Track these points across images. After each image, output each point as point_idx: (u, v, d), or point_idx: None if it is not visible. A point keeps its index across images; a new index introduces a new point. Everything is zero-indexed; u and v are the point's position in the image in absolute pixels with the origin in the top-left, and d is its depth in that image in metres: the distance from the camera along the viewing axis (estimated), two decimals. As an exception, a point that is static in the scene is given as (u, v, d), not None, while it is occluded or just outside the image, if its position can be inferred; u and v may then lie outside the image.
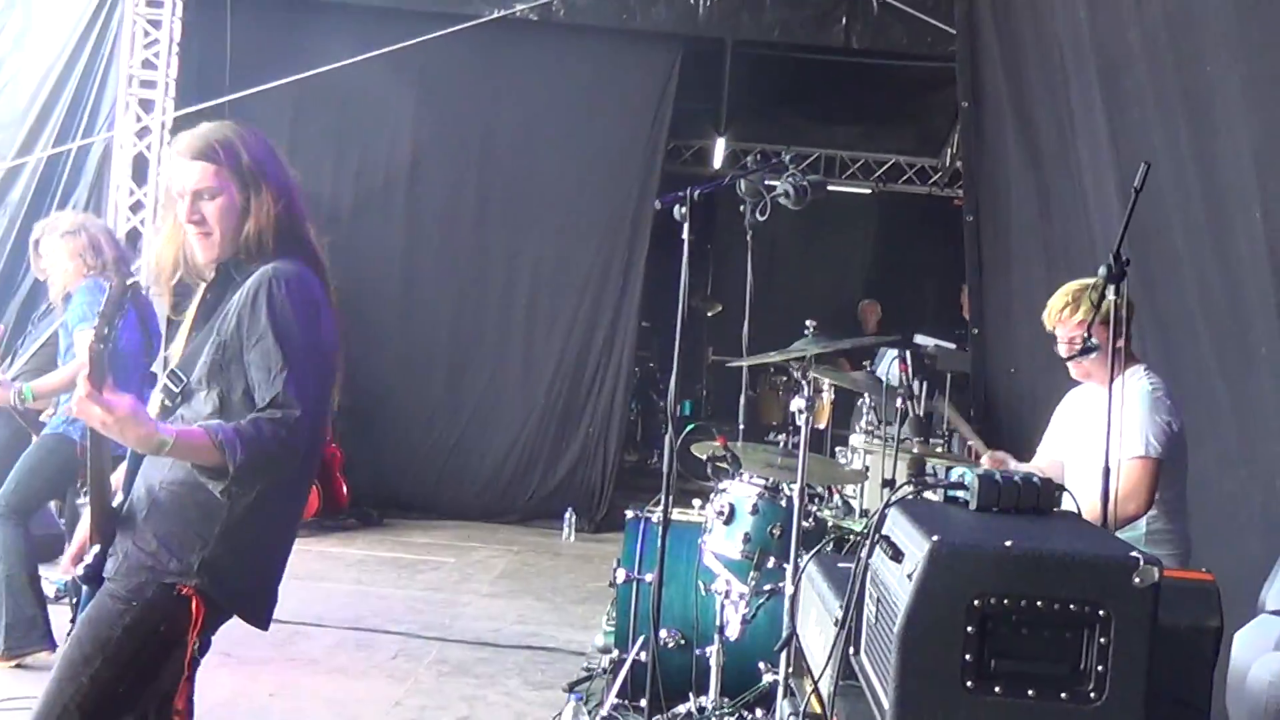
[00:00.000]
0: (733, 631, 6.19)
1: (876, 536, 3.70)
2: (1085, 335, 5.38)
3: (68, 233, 7.27)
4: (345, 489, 11.71)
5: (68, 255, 7.24)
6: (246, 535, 3.65)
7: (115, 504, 3.74)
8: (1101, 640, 3.31)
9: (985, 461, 6.21)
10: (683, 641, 6.69)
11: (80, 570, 3.69)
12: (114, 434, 3.41)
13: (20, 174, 11.28)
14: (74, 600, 4.09)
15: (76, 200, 11.22)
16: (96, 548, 3.70)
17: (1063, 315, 5.59)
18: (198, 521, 3.61)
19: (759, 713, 6.19)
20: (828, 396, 10.08)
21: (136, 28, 11.56)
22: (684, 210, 5.66)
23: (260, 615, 3.79)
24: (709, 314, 16.05)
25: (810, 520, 6.43)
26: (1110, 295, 4.99)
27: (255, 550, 3.71)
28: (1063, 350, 5.61)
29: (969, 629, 3.32)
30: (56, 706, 3.49)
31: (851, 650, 3.85)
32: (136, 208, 11.63)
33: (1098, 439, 4.82)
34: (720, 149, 15.81)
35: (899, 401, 6.95)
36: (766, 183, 6.17)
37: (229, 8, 11.57)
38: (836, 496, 8.94)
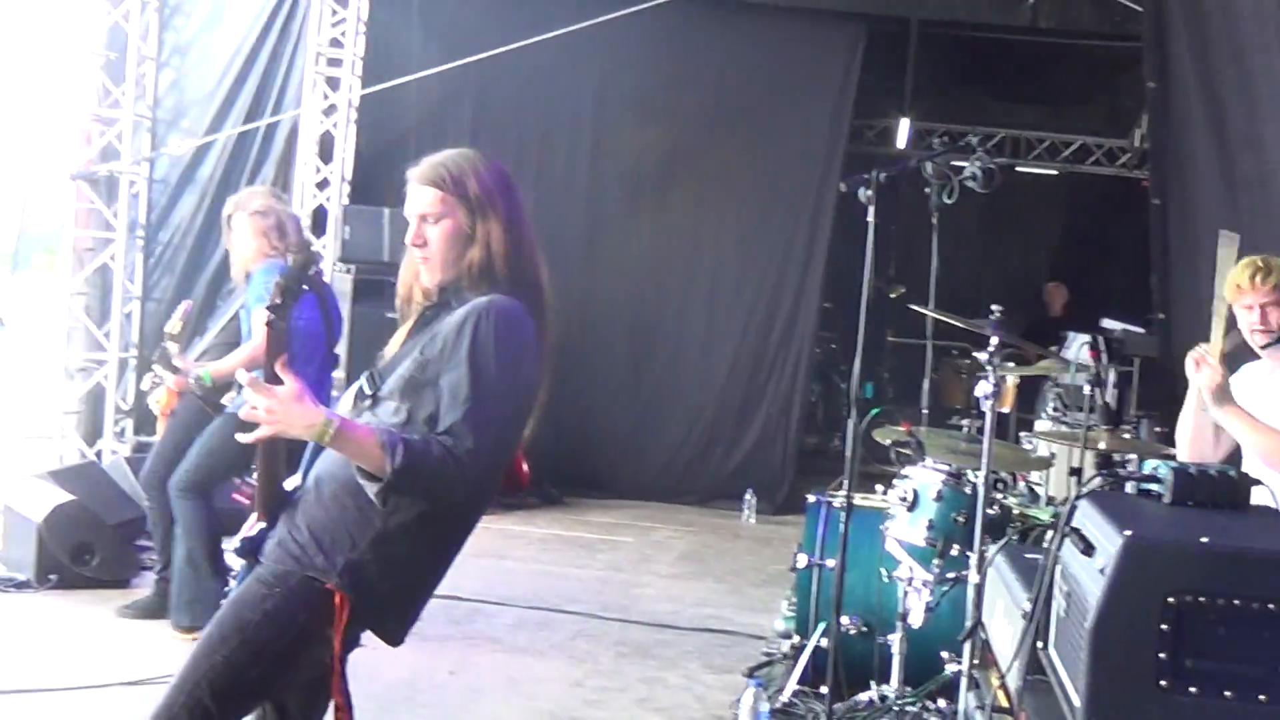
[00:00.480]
0: (916, 619, 6.11)
1: (1067, 529, 3.60)
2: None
3: (257, 211, 7.38)
4: (526, 468, 11.79)
5: (253, 234, 7.35)
6: (397, 550, 3.62)
7: (288, 487, 3.78)
8: (1304, 642, 3.18)
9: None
10: (864, 628, 6.61)
11: (238, 542, 3.73)
12: (281, 417, 3.44)
13: (210, 151, 11.53)
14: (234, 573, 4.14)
15: (264, 177, 11.43)
16: (262, 525, 3.74)
17: (1255, 282, 5.25)
18: (352, 524, 3.60)
19: (941, 703, 6.10)
20: (1012, 381, 9.90)
21: (324, 5, 11.73)
22: (869, 193, 5.58)
23: (393, 633, 3.77)
24: (892, 296, 15.85)
25: (995, 508, 6.31)
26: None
27: (403, 568, 3.66)
28: (1257, 335, 5.33)
29: (1163, 626, 3.21)
30: (189, 682, 3.51)
31: (1040, 644, 3.75)
32: (323, 185, 11.82)
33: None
34: (905, 129, 15.59)
35: (1086, 388, 6.78)
36: (953, 165, 6.05)
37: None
38: (1021, 484, 8.77)
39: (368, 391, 3.72)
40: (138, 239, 11.48)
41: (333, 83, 11.83)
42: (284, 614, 3.55)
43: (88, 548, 8.29)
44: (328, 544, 3.59)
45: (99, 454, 10.93)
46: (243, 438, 3.49)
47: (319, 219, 11.69)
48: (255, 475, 3.84)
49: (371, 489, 3.50)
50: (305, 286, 3.65)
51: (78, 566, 8.24)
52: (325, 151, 11.83)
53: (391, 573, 3.62)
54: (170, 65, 11.73)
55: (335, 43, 11.83)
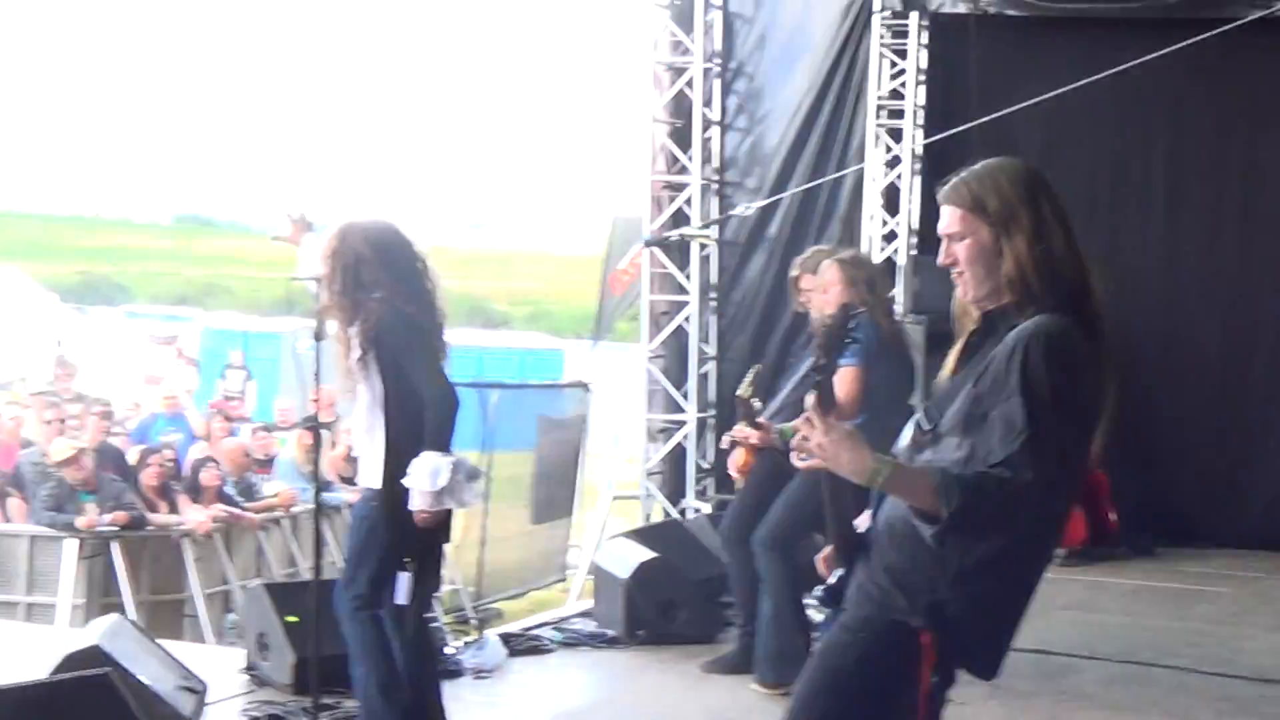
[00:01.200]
0: None
1: None
2: None
3: (846, 260, 7.21)
4: (1114, 517, 11.21)
5: (843, 283, 7.14)
6: (979, 587, 3.46)
7: (859, 531, 3.68)
8: None
9: None
10: None
11: (819, 592, 3.70)
12: (830, 457, 3.36)
13: (777, 210, 11.67)
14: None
15: (831, 234, 11.46)
16: (839, 571, 3.68)
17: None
18: (928, 565, 3.45)
19: None
20: None
21: (883, 59, 11.68)
22: None
23: (987, 668, 3.60)
24: None
25: None
26: None
27: (987, 604, 3.50)
28: None
29: None
30: None
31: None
32: (890, 237, 11.73)
33: None
34: None
35: None
36: None
37: (972, 32, 11.45)
38: None
39: (925, 427, 3.58)
40: (710, 301, 11.74)
41: (895, 134, 11.75)
42: (872, 660, 3.50)
43: (673, 604, 8.42)
44: (908, 586, 3.48)
45: (682, 512, 11.18)
46: (796, 460, 3.45)
47: (888, 272, 11.60)
48: (827, 522, 3.74)
49: (927, 531, 3.36)
50: (851, 339, 3.54)
51: (665, 622, 8.38)
52: (890, 203, 11.75)
53: (975, 610, 3.47)
54: (734, 128, 11.97)
55: (895, 94, 11.76)
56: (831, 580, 3.67)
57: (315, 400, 6.46)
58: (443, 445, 5.52)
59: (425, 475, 5.46)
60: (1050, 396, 3.34)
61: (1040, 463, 3.29)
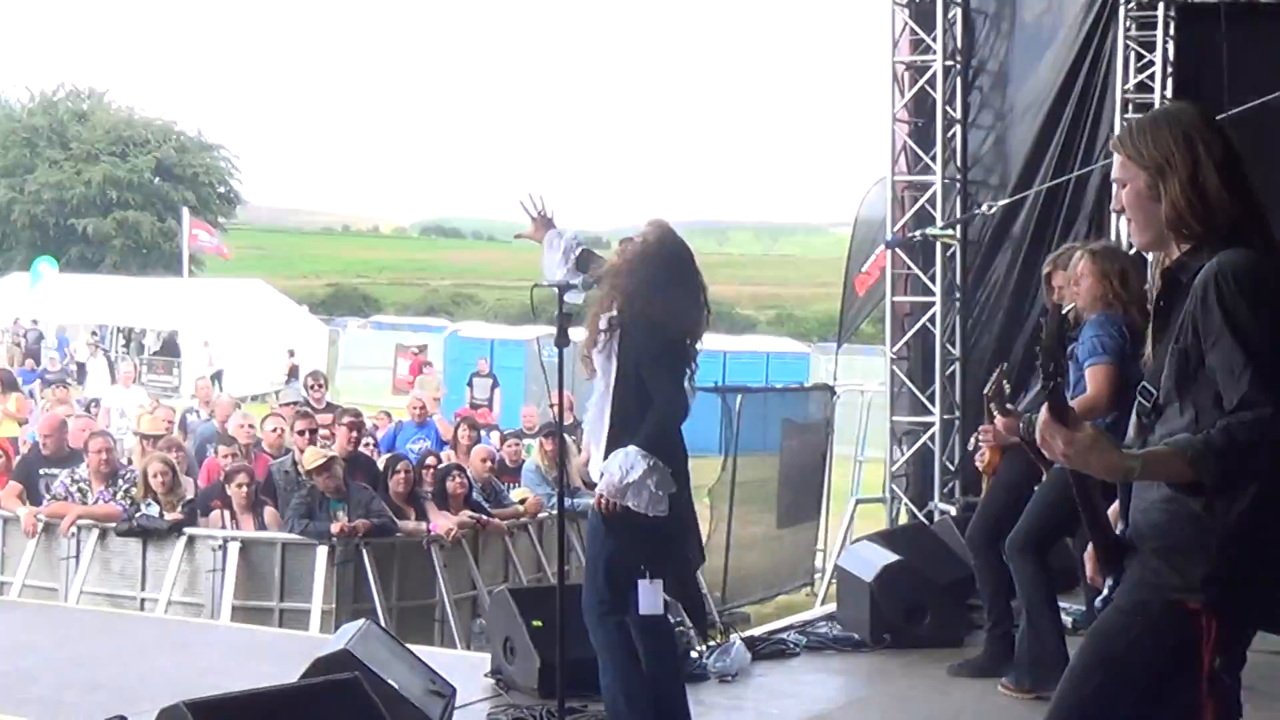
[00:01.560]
0: None
1: None
2: None
3: (1097, 252, 7.06)
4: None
5: (1094, 276, 6.99)
6: (1251, 542, 3.38)
7: (1117, 533, 3.62)
8: None
9: None
10: None
11: (1098, 604, 3.63)
12: (1078, 464, 3.32)
13: (1021, 208, 11.47)
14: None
15: (1077, 232, 11.21)
16: (1109, 581, 3.60)
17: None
18: (1193, 535, 3.39)
19: None
20: None
21: (1129, 51, 11.40)
22: None
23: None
24: None
25: None
26: None
27: (1263, 556, 3.40)
28: None
29: None
30: (1057, 716, 3.52)
31: None
32: (1140, 233, 11.43)
33: None
34: None
35: None
36: None
37: (1222, 22, 11.08)
38: None
39: (1147, 405, 3.55)
40: (955, 300, 11.60)
41: (1141, 128, 11.42)
42: (1148, 641, 3.45)
43: (919, 607, 8.36)
44: (1179, 562, 3.42)
45: (928, 515, 11.08)
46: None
47: (1140, 264, 11.29)
48: (1084, 530, 3.68)
49: (1196, 503, 3.34)
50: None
51: (910, 626, 8.32)
52: (1137, 198, 11.43)
53: (1252, 566, 3.40)
54: (977, 125, 11.81)
55: (1142, 87, 11.46)
56: (1105, 592, 3.60)
57: (553, 406, 6.57)
58: (652, 447, 5.58)
59: (617, 465, 5.54)
60: (1258, 325, 3.31)
61: (1274, 392, 3.26)
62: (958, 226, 11.54)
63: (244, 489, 10.67)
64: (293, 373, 31.12)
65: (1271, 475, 3.31)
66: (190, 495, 10.93)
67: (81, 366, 35.02)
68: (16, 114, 66.66)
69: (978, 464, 8.13)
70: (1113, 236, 11.23)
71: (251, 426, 12.54)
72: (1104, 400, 6.44)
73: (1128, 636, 3.47)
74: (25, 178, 62.22)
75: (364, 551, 10.28)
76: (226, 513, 10.74)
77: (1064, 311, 7.02)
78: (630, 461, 5.56)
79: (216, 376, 25.40)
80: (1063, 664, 6.68)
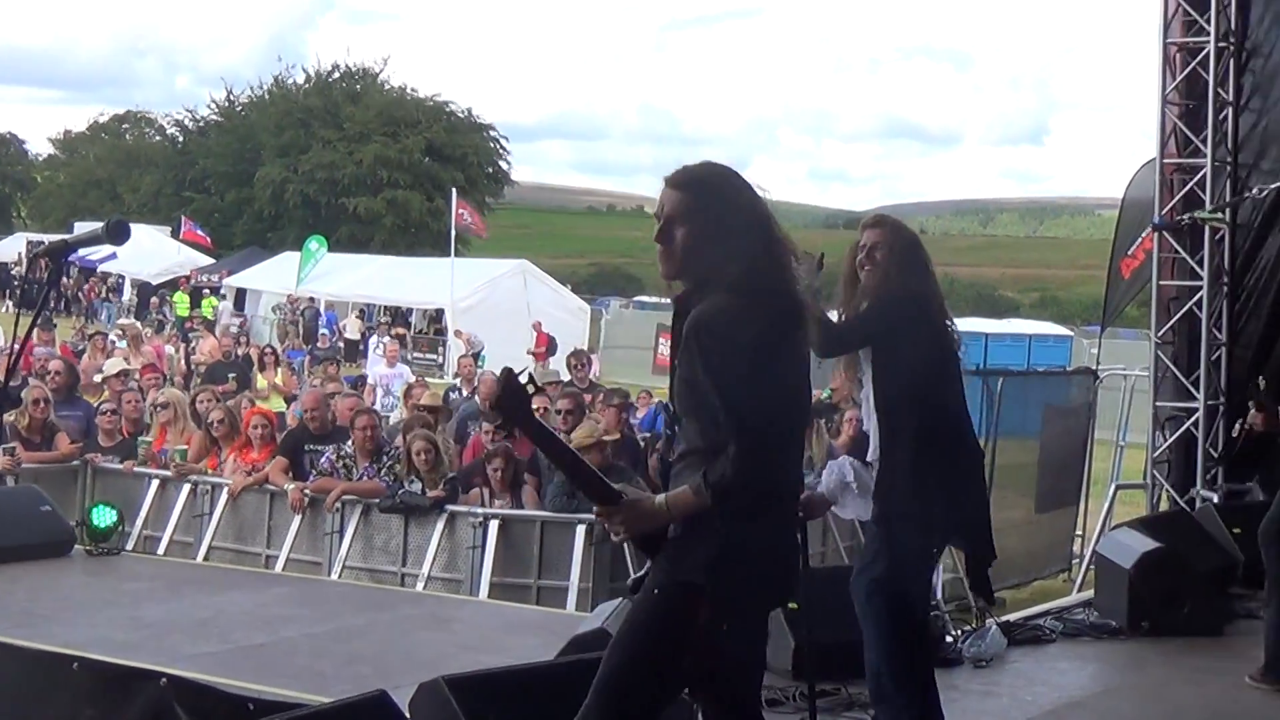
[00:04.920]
0: None
1: None
2: None
3: None
4: None
5: None
6: (740, 536, 3.92)
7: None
8: None
9: None
10: None
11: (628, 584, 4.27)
12: (634, 533, 4.10)
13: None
14: None
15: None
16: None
17: None
18: (697, 530, 3.93)
19: None
20: None
21: None
22: None
23: (774, 598, 4.27)
24: None
25: None
26: None
27: (752, 546, 3.94)
28: None
29: None
30: (599, 682, 4.01)
31: None
32: None
33: None
34: None
35: None
36: None
37: None
38: None
39: (668, 418, 4.15)
40: (1223, 285, 11.37)
41: None
42: (666, 611, 3.98)
43: (1178, 595, 8.29)
44: (687, 551, 3.96)
45: (1190, 502, 10.91)
46: None
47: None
48: None
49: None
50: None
51: (1169, 614, 8.25)
52: None
53: (742, 557, 3.93)
54: (1249, 108, 11.54)
55: None
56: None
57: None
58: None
59: (831, 472, 5.72)
60: (729, 373, 3.84)
61: (742, 432, 3.82)
62: (1227, 210, 11.29)
63: (499, 472, 10.75)
64: (549, 347, 31.56)
65: (740, 504, 3.86)
66: (452, 473, 11.07)
67: (352, 344, 36.12)
68: (293, 95, 68.68)
69: None
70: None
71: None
72: None
73: (649, 608, 4.02)
74: (299, 158, 63.93)
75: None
76: (486, 490, 10.87)
77: None
78: (841, 469, 5.83)
79: (478, 354, 25.96)
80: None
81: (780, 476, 4.03)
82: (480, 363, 25.70)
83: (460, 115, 68.21)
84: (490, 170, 69.24)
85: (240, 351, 24.70)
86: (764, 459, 3.87)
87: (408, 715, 5.18)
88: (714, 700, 4.23)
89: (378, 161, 63.20)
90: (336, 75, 69.49)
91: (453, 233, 39.58)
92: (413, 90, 69.14)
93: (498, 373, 4.04)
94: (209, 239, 51.40)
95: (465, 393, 17.14)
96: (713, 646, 3.98)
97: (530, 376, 4.04)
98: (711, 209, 4.00)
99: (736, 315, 3.89)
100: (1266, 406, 7.55)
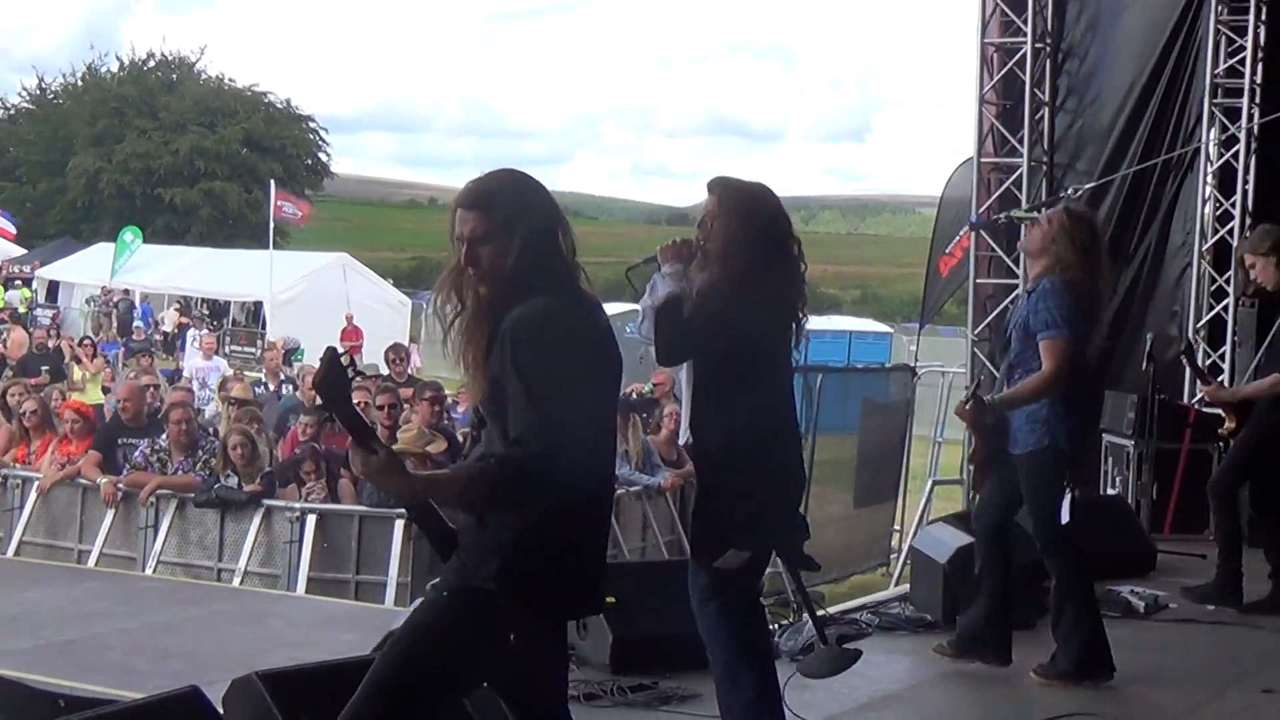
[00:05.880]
0: None
1: None
2: None
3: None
4: None
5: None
6: (538, 544, 3.86)
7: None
8: None
9: None
10: None
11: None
12: (377, 484, 4.21)
13: (1107, 192, 11.41)
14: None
15: (1160, 215, 11.19)
16: None
17: None
18: (492, 535, 3.88)
19: None
20: None
21: (1219, 36, 11.29)
22: None
23: (572, 610, 4.13)
24: None
25: None
26: None
27: (549, 556, 3.89)
28: None
29: None
30: (374, 674, 3.96)
31: None
32: (1224, 219, 11.33)
33: None
34: None
35: None
36: None
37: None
38: None
39: (475, 420, 4.07)
40: (1037, 284, 11.55)
41: (1230, 113, 11.34)
42: (456, 616, 3.93)
43: (993, 590, 8.34)
44: (481, 557, 3.91)
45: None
46: None
47: (1221, 253, 11.21)
48: None
49: (469, 518, 3.92)
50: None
51: (978, 608, 8.31)
52: (1225, 184, 11.34)
53: (540, 566, 3.88)
54: (1065, 109, 11.76)
55: (1232, 72, 11.35)
56: None
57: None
58: None
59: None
60: (544, 373, 3.77)
61: (546, 433, 3.73)
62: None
63: (310, 475, 10.69)
64: (358, 339, 31.21)
65: (528, 504, 3.80)
66: (269, 467, 10.98)
67: (169, 337, 35.42)
68: (107, 83, 67.13)
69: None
70: (1197, 224, 11.19)
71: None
72: None
73: (438, 611, 3.98)
74: (114, 147, 62.50)
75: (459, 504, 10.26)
76: (307, 485, 10.75)
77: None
78: None
79: (293, 351, 25.58)
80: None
81: (583, 480, 3.91)
82: (298, 356, 25.31)
83: (279, 106, 67.19)
84: (310, 162, 68.29)
85: (53, 344, 24.11)
86: (565, 460, 3.76)
87: (221, 711, 5.06)
88: (519, 705, 4.17)
89: (194, 152, 61.97)
90: (152, 64, 68.10)
91: (271, 225, 38.93)
92: (230, 80, 68.05)
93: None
94: (13, 230, 49.83)
95: (272, 387, 16.99)
96: (510, 654, 3.92)
97: (351, 360, 3.91)
98: (509, 222, 3.91)
99: (548, 317, 3.83)
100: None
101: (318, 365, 3.89)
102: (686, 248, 5.25)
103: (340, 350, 3.95)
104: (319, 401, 3.96)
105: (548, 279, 3.90)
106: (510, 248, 3.89)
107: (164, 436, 11.10)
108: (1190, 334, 10.51)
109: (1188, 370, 9.87)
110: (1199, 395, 10.51)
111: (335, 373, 3.82)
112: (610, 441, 4.22)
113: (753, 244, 5.18)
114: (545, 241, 3.93)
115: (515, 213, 3.93)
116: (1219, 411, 8.65)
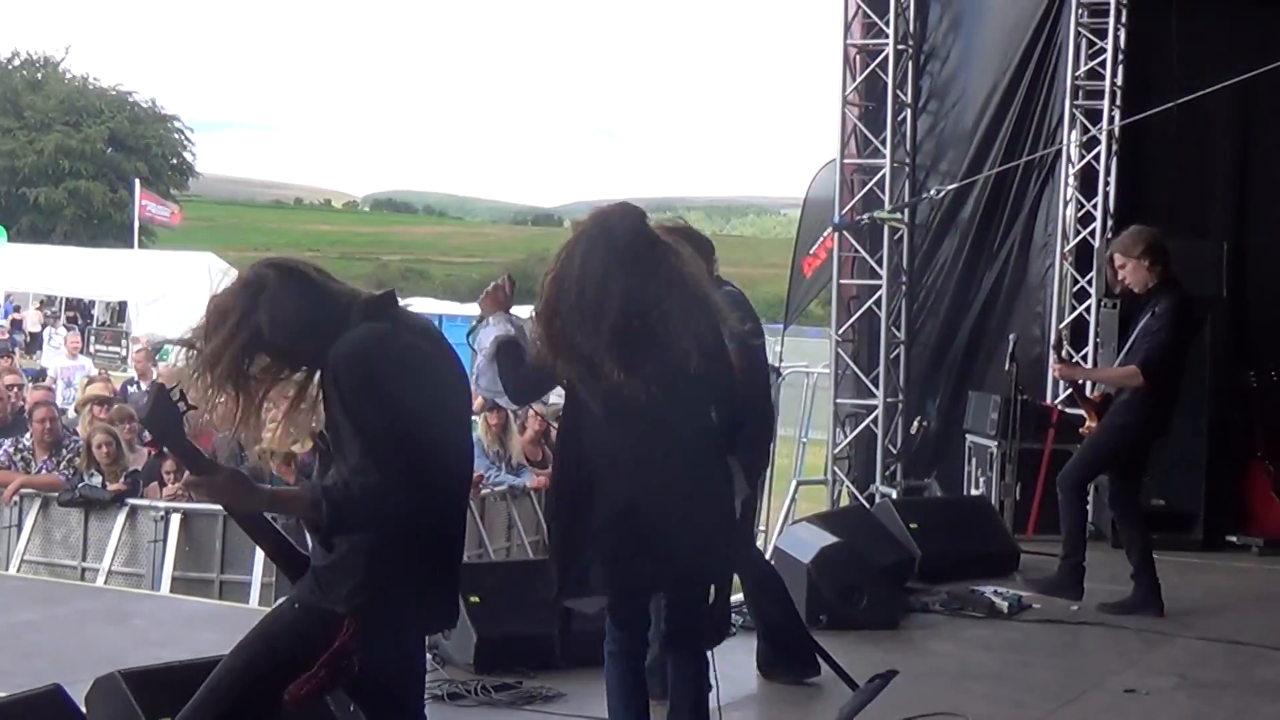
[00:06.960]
0: None
1: None
2: None
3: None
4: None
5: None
6: (383, 569, 3.87)
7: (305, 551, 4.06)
8: None
9: None
10: None
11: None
12: (220, 502, 4.06)
13: (970, 193, 11.49)
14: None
15: (1023, 216, 11.29)
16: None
17: None
18: (341, 559, 3.88)
19: None
20: None
21: (1080, 39, 11.41)
22: None
23: (424, 627, 4.20)
24: None
25: None
26: None
27: (394, 579, 3.90)
28: None
29: None
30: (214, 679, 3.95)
31: None
32: (1085, 221, 11.45)
33: None
34: None
35: None
36: None
37: (1174, 11, 11.08)
38: None
39: (323, 447, 4.01)
40: (902, 285, 11.62)
41: (1091, 115, 11.46)
42: (301, 633, 3.91)
43: (856, 589, 8.33)
44: (331, 579, 3.90)
45: (870, 498, 11.10)
46: None
47: (1083, 254, 11.33)
48: None
49: (315, 538, 3.91)
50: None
51: (846, 607, 8.30)
52: (1087, 186, 11.46)
53: (385, 590, 3.89)
54: (928, 110, 11.84)
55: (1093, 74, 11.47)
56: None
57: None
58: None
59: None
60: (366, 405, 3.78)
61: (380, 463, 3.75)
62: (905, 210, 11.56)
63: (171, 475, 10.46)
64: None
65: (369, 529, 3.82)
66: (136, 466, 10.87)
67: (35, 336, 34.75)
68: (-31, 81, 66.20)
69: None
70: (1059, 226, 11.31)
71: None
72: None
73: (283, 622, 3.98)
74: (-23, 146, 61.94)
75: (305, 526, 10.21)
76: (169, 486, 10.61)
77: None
78: None
79: (158, 349, 25.16)
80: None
81: (425, 500, 3.87)
82: (164, 356, 24.86)
83: (144, 105, 67.07)
84: (175, 161, 68.00)
85: (-87, 343, 23.54)
86: (401, 485, 3.76)
87: (84, 710, 5.00)
88: (376, 714, 4.13)
89: (59, 151, 61.68)
90: (16, 62, 67.31)
91: (136, 225, 38.45)
92: (95, 80, 67.69)
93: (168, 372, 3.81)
94: None
95: (144, 386, 16.77)
96: (363, 670, 3.89)
97: (182, 393, 3.83)
98: (246, 316, 3.91)
99: (362, 346, 3.84)
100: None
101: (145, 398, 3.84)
102: (500, 292, 5.14)
103: (169, 385, 3.91)
104: (148, 437, 3.88)
105: (336, 317, 3.89)
106: (274, 331, 3.90)
107: (27, 436, 11.07)
108: (1054, 335, 10.59)
109: (1051, 356, 9.99)
110: (1061, 396, 10.64)
111: (163, 408, 3.79)
112: (458, 451, 4.12)
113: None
114: (298, 298, 3.93)
115: (247, 310, 3.91)
116: (1081, 412, 8.69)
